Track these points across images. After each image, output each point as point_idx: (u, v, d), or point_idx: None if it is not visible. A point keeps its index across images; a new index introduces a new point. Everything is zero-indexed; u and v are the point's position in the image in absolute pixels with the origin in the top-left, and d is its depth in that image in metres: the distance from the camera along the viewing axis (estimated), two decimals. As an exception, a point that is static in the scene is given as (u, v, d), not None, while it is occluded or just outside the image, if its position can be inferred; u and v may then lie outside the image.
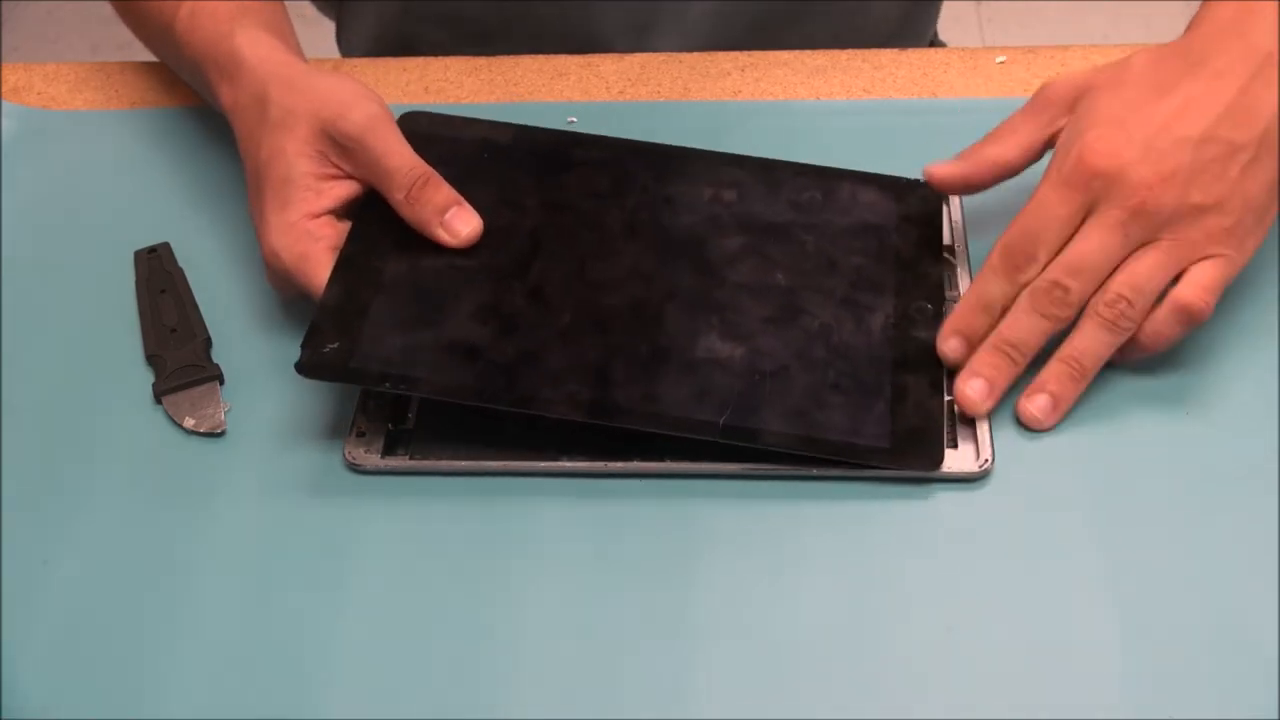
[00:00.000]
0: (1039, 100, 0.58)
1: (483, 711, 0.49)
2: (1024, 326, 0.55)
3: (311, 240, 0.58)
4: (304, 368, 0.54)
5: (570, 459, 0.55)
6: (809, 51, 0.73)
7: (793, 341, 0.56)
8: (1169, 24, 0.59)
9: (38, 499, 0.56)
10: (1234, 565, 0.51)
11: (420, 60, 0.75)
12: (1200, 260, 0.54)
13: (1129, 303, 0.54)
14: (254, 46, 0.62)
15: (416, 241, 0.58)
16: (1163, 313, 0.54)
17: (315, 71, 0.61)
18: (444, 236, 0.58)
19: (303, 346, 0.55)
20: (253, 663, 0.51)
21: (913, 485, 0.54)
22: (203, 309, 0.63)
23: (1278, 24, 0.55)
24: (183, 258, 0.65)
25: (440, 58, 0.75)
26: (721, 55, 0.73)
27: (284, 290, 0.60)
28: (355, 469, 0.56)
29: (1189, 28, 0.57)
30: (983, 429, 0.55)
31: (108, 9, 0.75)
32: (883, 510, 0.54)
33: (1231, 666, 0.49)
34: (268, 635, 0.51)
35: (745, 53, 0.73)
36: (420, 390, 0.54)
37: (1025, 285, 0.55)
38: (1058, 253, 0.54)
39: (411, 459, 0.56)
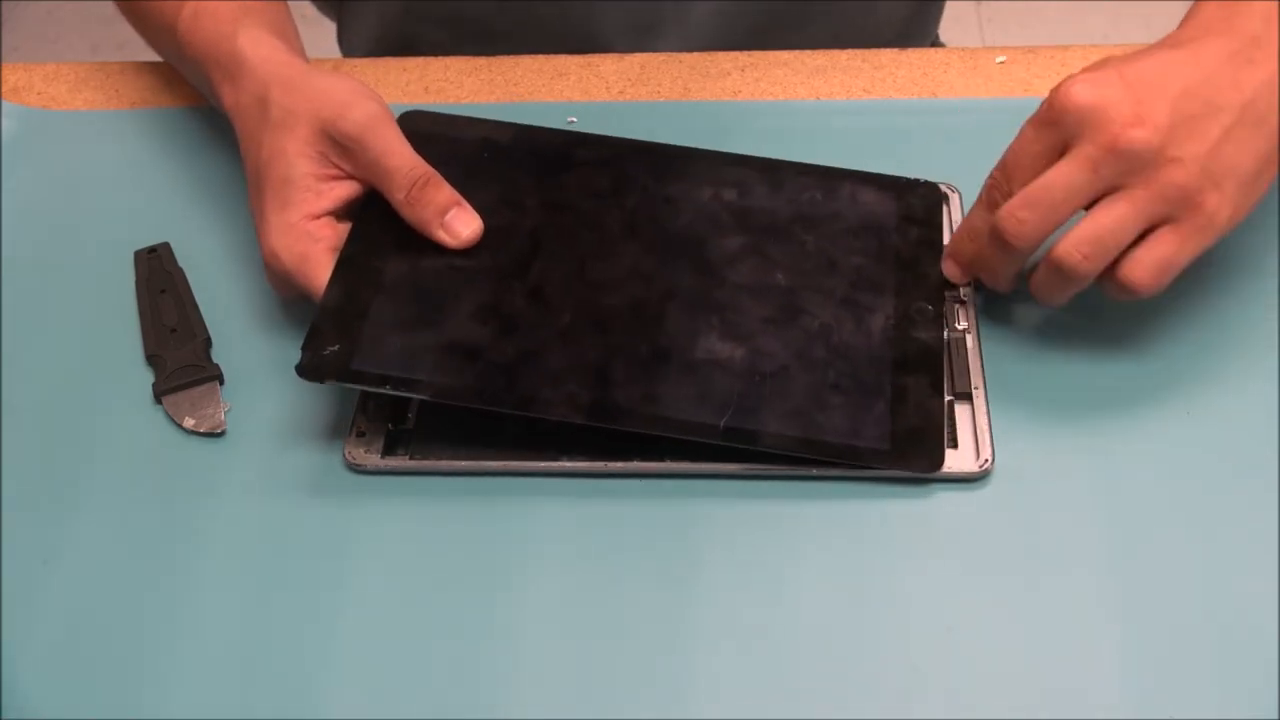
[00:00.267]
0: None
1: (483, 711, 0.49)
2: (990, 254, 0.56)
3: (311, 241, 0.58)
4: (304, 370, 0.54)
5: (570, 459, 0.55)
6: (809, 51, 0.73)
7: (793, 342, 0.56)
8: (1169, 24, 0.58)
9: (38, 499, 0.56)
10: (1234, 565, 0.51)
11: (420, 60, 0.75)
12: (1167, 224, 0.53)
13: (1084, 256, 0.53)
14: (256, 47, 0.62)
15: (416, 242, 0.58)
16: (1103, 280, 0.54)
17: (316, 72, 0.61)
18: (444, 237, 0.58)
19: (303, 349, 0.55)
20: (253, 662, 0.51)
21: (913, 485, 0.54)
22: (203, 309, 0.63)
23: (1262, 15, 0.55)
24: (183, 258, 0.65)
25: (440, 58, 0.75)
26: (721, 55, 0.73)
27: (284, 291, 0.60)
28: (355, 469, 0.56)
29: (1178, 27, 0.57)
30: (983, 429, 0.55)
31: (108, 9, 0.75)
32: (882, 510, 0.54)
33: (1231, 666, 0.49)
34: (268, 635, 0.52)
35: (745, 53, 0.73)
36: (421, 393, 0.54)
37: None
38: None
39: (411, 459, 0.56)
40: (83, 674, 0.51)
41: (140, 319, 0.63)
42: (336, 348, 0.55)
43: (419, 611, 0.52)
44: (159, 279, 0.64)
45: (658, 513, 0.54)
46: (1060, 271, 0.54)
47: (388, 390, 0.54)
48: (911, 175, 0.62)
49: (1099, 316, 0.59)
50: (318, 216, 0.58)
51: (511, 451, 0.55)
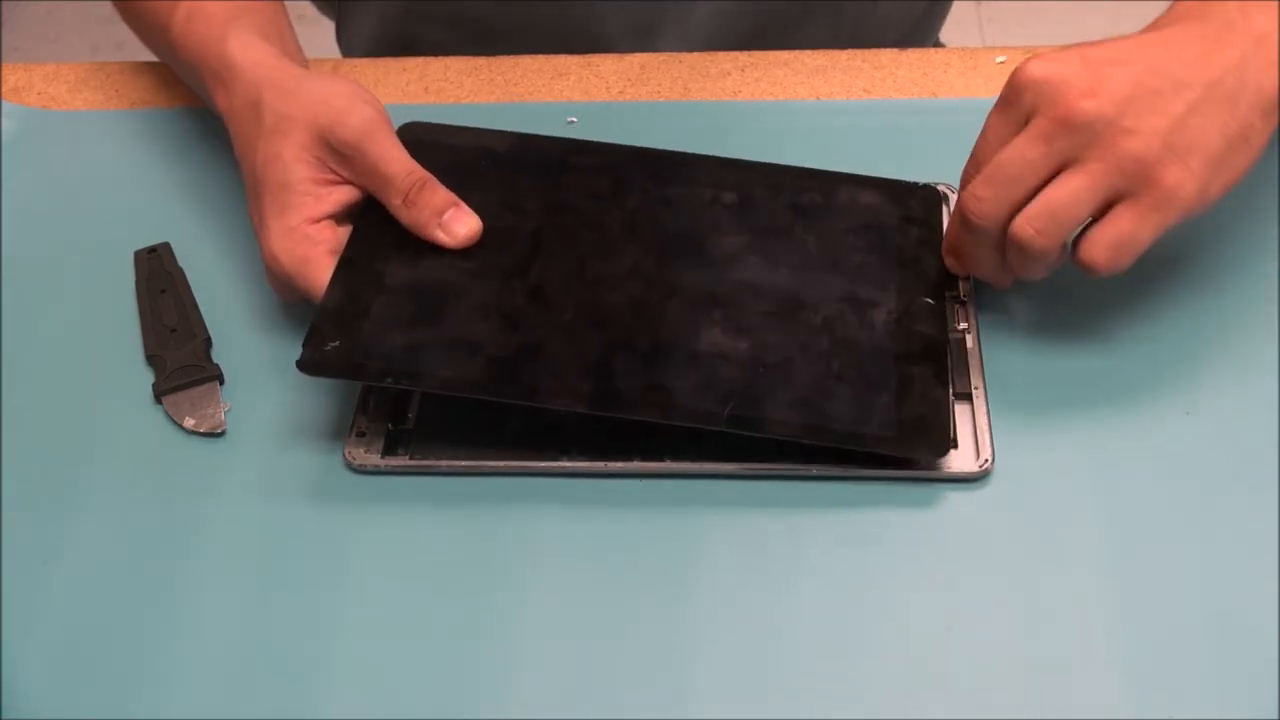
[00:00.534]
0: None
1: (483, 711, 0.49)
2: (960, 237, 0.57)
3: (311, 244, 0.58)
4: (305, 364, 0.54)
5: (570, 459, 0.55)
6: (809, 51, 0.73)
7: (796, 335, 0.56)
8: (1169, 24, 0.59)
9: (38, 499, 0.56)
10: (1234, 565, 0.51)
11: (420, 60, 0.75)
12: (1125, 200, 0.52)
13: (1037, 231, 0.53)
14: (246, 51, 0.61)
15: (417, 244, 0.58)
16: (1072, 259, 0.54)
17: (309, 75, 0.60)
18: (442, 238, 0.58)
19: (304, 345, 0.55)
20: (253, 663, 0.51)
21: (913, 485, 0.54)
22: (203, 309, 0.63)
23: (1237, 5, 0.54)
24: (183, 258, 0.65)
25: (440, 58, 0.75)
26: (721, 55, 0.73)
27: (285, 294, 0.60)
28: (355, 469, 0.56)
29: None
30: (983, 429, 0.55)
31: (108, 9, 0.75)
32: (883, 511, 0.54)
33: (1231, 666, 0.49)
34: (268, 635, 0.52)
35: (745, 53, 0.73)
36: (423, 385, 0.54)
37: None
38: None
39: (411, 459, 0.56)
40: (83, 674, 0.51)
41: (140, 319, 0.63)
42: (337, 343, 0.55)
43: (419, 611, 0.52)
44: (159, 279, 0.64)
45: (658, 513, 0.54)
46: (1018, 248, 0.53)
47: (389, 383, 0.54)
48: (911, 175, 0.62)
49: (1099, 316, 0.59)
50: (317, 220, 0.58)
51: (512, 451, 0.55)
